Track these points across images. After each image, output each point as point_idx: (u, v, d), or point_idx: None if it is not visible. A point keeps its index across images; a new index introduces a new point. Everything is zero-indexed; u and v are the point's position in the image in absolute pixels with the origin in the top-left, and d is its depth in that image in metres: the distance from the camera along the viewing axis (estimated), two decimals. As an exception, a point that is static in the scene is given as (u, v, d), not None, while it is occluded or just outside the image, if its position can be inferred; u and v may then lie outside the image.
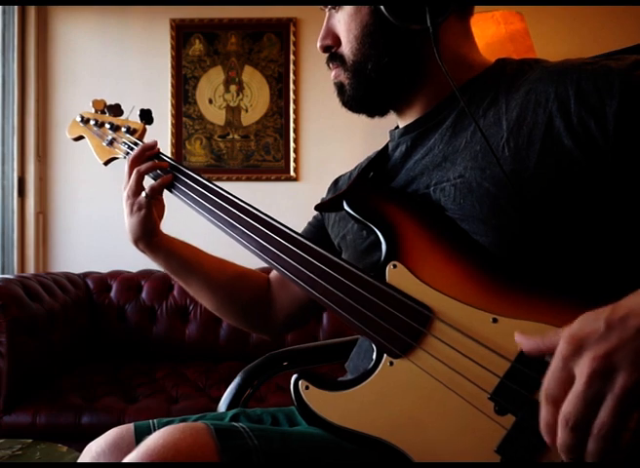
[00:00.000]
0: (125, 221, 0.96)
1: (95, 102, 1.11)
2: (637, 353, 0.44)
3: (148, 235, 0.95)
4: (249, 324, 1.07)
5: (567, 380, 0.47)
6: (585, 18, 2.59)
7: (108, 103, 1.10)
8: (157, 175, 0.95)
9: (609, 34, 2.53)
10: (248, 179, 2.67)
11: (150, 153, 0.96)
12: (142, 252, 0.98)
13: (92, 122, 1.09)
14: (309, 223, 1.04)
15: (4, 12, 2.57)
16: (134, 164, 0.95)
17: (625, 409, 0.44)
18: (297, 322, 1.07)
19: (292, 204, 2.57)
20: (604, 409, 0.44)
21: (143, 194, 0.93)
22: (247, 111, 2.68)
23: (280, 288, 1.02)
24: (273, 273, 1.05)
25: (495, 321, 0.60)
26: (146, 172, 0.94)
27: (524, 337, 0.53)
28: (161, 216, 0.98)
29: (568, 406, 0.46)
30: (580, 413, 0.45)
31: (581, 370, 0.45)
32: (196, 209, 0.90)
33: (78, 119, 1.12)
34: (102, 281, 2.45)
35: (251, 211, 0.84)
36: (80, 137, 1.13)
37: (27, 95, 2.62)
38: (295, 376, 0.68)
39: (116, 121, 1.07)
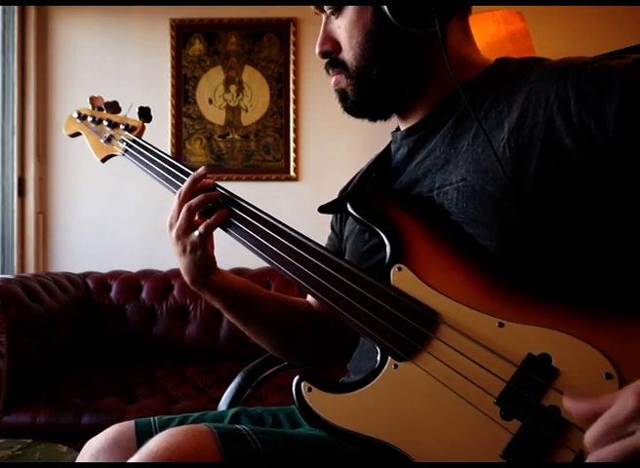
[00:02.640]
0: (177, 262, 0.86)
1: (92, 99, 1.09)
2: None
3: (207, 275, 0.85)
4: (312, 360, 0.99)
5: (619, 435, 0.45)
6: (585, 17, 2.59)
7: (106, 100, 1.08)
8: (208, 210, 0.84)
9: (609, 34, 2.53)
10: (248, 179, 2.67)
11: (203, 185, 0.84)
12: (199, 291, 0.88)
13: (89, 118, 1.07)
14: (329, 237, 1.00)
15: (4, 12, 2.56)
16: (185, 200, 0.83)
17: None
18: (348, 345, 0.97)
19: (292, 204, 2.57)
20: None
21: (196, 233, 0.82)
22: (247, 111, 2.68)
23: (326, 314, 0.94)
24: (313, 301, 0.98)
25: (501, 325, 0.60)
26: (198, 207, 0.82)
27: (573, 401, 0.50)
28: (212, 249, 0.86)
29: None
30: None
31: None
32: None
33: (75, 115, 1.10)
34: (102, 281, 2.44)
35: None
36: (77, 134, 1.10)
37: (27, 95, 2.62)
38: (297, 378, 0.68)
39: (114, 118, 1.05)
